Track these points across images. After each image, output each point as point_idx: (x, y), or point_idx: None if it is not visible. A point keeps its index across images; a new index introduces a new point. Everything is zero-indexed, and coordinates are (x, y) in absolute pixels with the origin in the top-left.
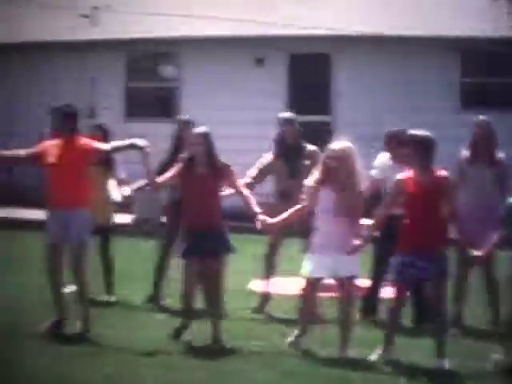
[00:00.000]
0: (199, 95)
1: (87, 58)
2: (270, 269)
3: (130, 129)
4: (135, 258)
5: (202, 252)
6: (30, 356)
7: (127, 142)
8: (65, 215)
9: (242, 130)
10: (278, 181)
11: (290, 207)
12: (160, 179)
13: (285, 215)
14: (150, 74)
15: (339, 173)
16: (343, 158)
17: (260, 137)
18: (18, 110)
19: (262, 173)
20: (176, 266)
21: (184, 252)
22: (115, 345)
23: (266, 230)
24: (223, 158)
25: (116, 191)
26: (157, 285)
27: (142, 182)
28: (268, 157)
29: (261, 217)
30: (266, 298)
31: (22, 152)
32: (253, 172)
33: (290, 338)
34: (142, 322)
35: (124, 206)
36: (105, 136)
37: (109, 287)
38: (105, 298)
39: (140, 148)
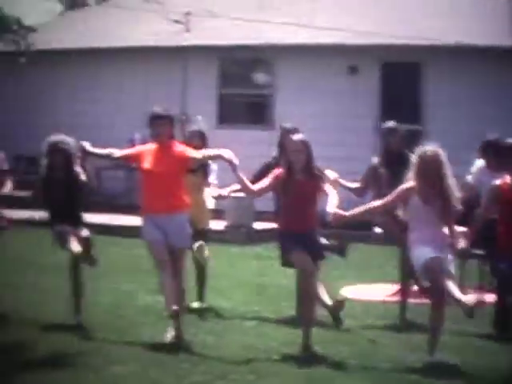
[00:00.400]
0: (292, 102)
1: (180, 63)
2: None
3: (222, 135)
4: (226, 265)
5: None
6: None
7: (216, 152)
8: (163, 219)
9: (336, 136)
10: (381, 189)
11: (393, 216)
12: (257, 187)
13: (356, 211)
14: (243, 81)
15: (430, 175)
16: (433, 159)
17: (354, 144)
18: (104, 115)
19: (367, 181)
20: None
21: (285, 251)
22: (208, 352)
23: (335, 222)
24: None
25: (211, 197)
26: None
27: (236, 187)
28: (372, 165)
29: (334, 210)
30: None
31: (116, 152)
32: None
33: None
34: (232, 328)
35: (218, 211)
36: (202, 142)
37: (200, 293)
38: (196, 304)
39: (226, 160)
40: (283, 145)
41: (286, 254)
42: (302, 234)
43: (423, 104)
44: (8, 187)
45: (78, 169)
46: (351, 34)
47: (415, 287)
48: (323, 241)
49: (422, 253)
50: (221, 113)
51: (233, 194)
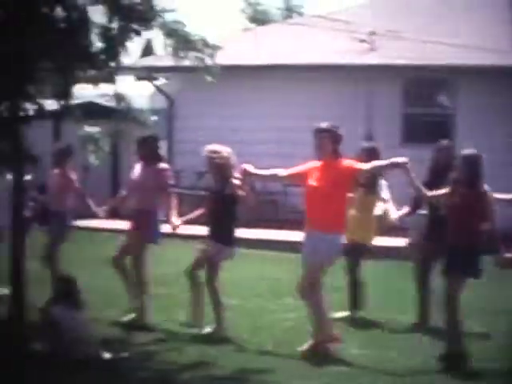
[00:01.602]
0: (474, 124)
1: (364, 82)
2: None
3: (405, 154)
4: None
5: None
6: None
7: (387, 161)
8: (315, 238)
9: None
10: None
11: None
12: (431, 193)
13: None
14: (426, 100)
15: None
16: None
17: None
18: (294, 130)
19: None
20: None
21: (448, 268)
22: (371, 365)
23: None
24: None
25: (385, 212)
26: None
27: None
28: None
29: None
30: None
31: (282, 172)
32: None
33: None
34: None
35: (393, 227)
36: (373, 158)
37: (353, 305)
38: (338, 314)
39: (400, 165)
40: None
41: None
42: (461, 249)
43: None
44: (174, 203)
45: (234, 182)
46: None
47: None
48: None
49: None
50: (404, 132)
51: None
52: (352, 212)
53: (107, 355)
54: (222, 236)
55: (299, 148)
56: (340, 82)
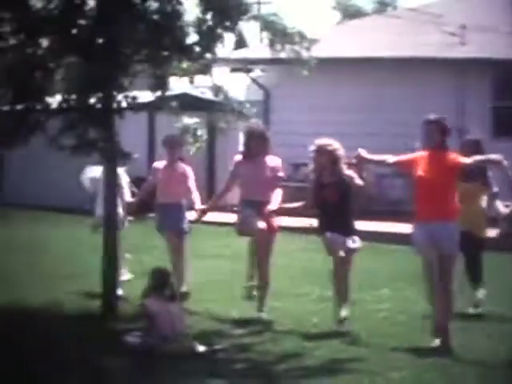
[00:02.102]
0: None
1: (454, 75)
2: None
3: (496, 147)
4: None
5: None
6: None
7: (486, 156)
8: (435, 227)
9: None
10: None
11: None
12: None
13: None
14: None
15: None
16: None
17: None
18: (385, 123)
19: None
20: None
21: None
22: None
23: None
24: None
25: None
26: None
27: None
28: None
29: None
30: None
31: (390, 158)
32: None
33: None
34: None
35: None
36: (476, 151)
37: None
38: (472, 310)
39: (495, 162)
40: None
41: None
42: None
43: None
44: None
45: (349, 172)
46: None
47: None
48: None
49: None
50: (495, 125)
51: None
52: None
53: (201, 348)
54: (351, 227)
55: (394, 141)
56: (430, 76)
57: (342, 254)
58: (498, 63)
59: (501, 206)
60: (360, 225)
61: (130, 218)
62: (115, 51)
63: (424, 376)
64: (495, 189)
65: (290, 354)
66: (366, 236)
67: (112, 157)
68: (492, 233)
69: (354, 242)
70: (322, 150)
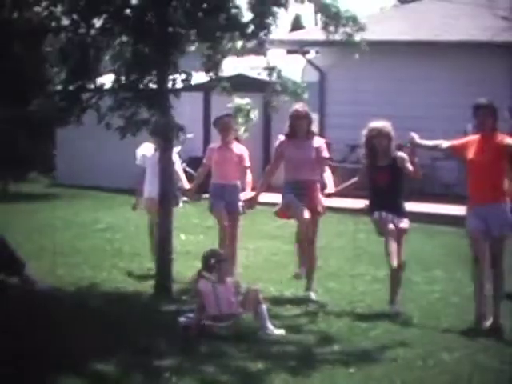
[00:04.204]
0: None
1: (507, 59)
2: None
3: None
4: None
5: None
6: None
7: None
8: (486, 209)
9: None
10: None
11: None
12: None
13: None
14: None
15: None
16: None
17: None
18: (434, 107)
19: None
20: None
21: None
22: None
23: None
24: None
25: None
26: None
27: None
28: None
29: None
30: None
31: (444, 143)
32: None
33: None
34: None
35: None
36: None
37: None
38: None
39: None
40: None
41: None
42: None
43: None
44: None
45: (401, 155)
46: None
47: None
48: None
49: None
50: None
51: None
52: None
53: (280, 331)
54: (401, 208)
55: (445, 123)
56: (482, 60)
57: (391, 226)
58: None
59: None
60: (413, 206)
61: (185, 198)
62: (167, 31)
63: (476, 357)
64: None
65: (344, 335)
66: (418, 217)
67: (166, 134)
68: None
69: (403, 223)
70: (376, 133)
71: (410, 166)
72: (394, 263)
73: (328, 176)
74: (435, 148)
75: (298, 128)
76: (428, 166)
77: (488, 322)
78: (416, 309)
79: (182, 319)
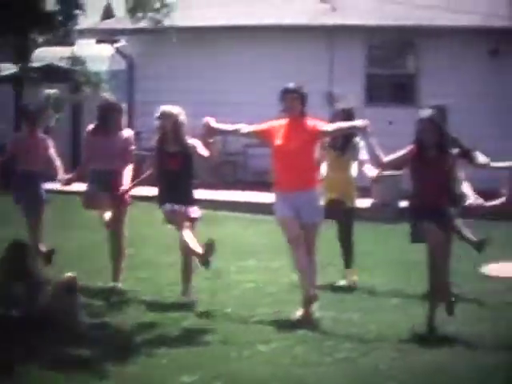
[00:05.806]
0: (436, 84)
1: (326, 42)
2: None
3: (368, 114)
4: (372, 242)
5: None
6: None
7: (349, 123)
8: (294, 196)
9: (477, 118)
10: None
11: None
12: (387, 159)
13: None
14: (389, 61)
15: None
16: None
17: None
18: (250, 93)
19: None
20: None
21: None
22: (352, 330)
23: None
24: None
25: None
26: None
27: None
28: None
29: None
30: None
31: (245, 127)
32: None
33: None
34: (377, 306)
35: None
36: (348, 119)
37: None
38: (341, 282)
39: (360, 128)
40: None
41: (418, 230)
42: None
43: None
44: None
45: (192, 141)
46: (494, 17)
47: None
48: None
49: None
50: (367, 92)
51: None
52: (329, 173)
53: None
54: (189, 197)
55: (260, 109)
56: (302, 43)
57: (186, 224)
58: (370, 30)
59: (369, 170)
60: (226, 195)
61: None
62: None
63: (294, 347)
64: (364, 156)
65: (158, 324)
66: (232, 206)
67: None
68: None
69: (194, 212)
70: (164, 116)
71: (203, 152)
72: (199, 250)
73: (127, 171)
74: (235, 133)
75: (107, 120)
76: (240, 153)
77: (299, 313)
78: (230, 299)
79: None
